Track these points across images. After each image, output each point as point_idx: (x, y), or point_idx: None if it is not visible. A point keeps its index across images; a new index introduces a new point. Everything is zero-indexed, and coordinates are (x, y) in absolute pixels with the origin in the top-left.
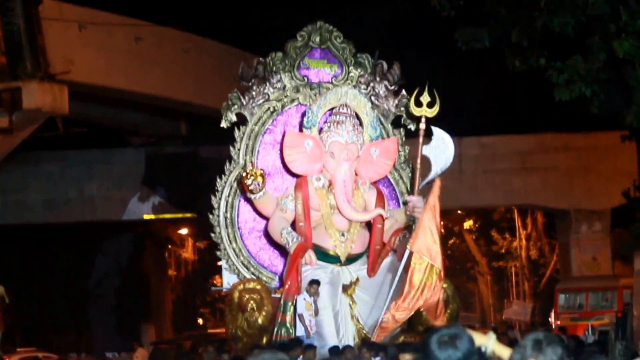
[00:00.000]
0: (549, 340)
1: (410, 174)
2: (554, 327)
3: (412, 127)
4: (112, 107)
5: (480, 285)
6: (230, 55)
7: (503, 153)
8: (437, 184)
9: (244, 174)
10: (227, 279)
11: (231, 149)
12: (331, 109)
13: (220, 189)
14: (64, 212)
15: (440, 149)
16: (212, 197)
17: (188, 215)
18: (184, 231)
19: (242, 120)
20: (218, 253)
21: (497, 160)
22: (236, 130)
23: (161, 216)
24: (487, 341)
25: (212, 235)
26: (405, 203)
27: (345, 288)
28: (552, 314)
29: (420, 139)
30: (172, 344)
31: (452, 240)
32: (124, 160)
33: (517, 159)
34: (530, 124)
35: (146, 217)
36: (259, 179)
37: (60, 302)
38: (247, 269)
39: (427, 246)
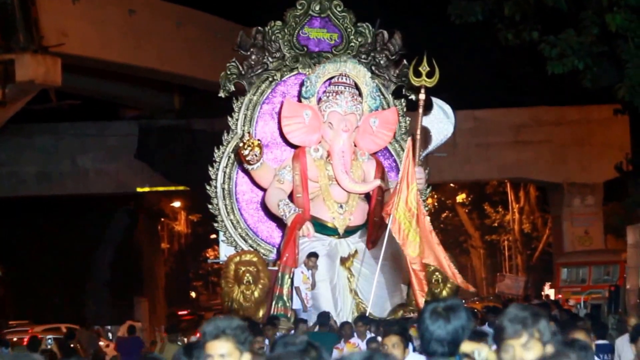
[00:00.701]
0: (541, 314)
1: None
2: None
3: (413, 97)
4: (105, 80)
5: (473, 258)
6: (224, 28)
7: (496, 127)
8: (408, 145)
9: (241, 144)
10: (225, 252)
11: (229, 119)
12: (330, 79)
13: (217, 159)
14: (57, 185)
15: (441, 120)
16: (210, 168)
17: (181, 188)
18: (177, 204)
19: (238, 92)
20: (215, 225)
21: (491, 134)
22: (234, 100)
23: (154, 189)
24: (480, 348)
25: (209, 206)
26: None
27: (343, 261)
28: (545, 288)
29: (420, 110)
30: (193, 316)
31: (445, 214)
32: (117, 133)
33: (510, 133)
34: (523, 97)
35: (139, 190)
36: (256, 149)
37: (52, 275)
38: (245, 241)
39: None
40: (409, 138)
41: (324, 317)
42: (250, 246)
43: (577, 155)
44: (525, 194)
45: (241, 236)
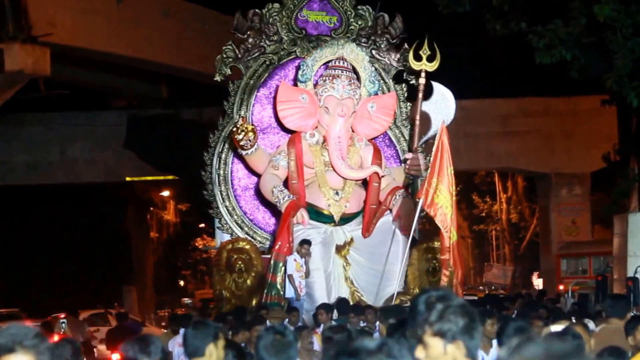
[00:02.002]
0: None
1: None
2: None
3: (414, 82)
4: (93, 70)
5: (461, 248)
6: (211, 18)
7: (484, 117)
8: (443, 129)
9: (234, 129)
10: (220, 239)
11: (225, 103)
12: (327, 63)
13: (212, 144)
14: (47, 174)
15: (441, 105)
16: (205, 154)
17: (170, 177)
18: (165, 193)
19: (234, 75)
20: (210, 212)
21: (478, 124)
22: (230, 84)
23: (143, 178)
24: None
25: (205, 193)
26: (405, 161)
27: (339, 249)
28: (533, 277)
29: (420, 94)
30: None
31: None
32: (106, 123)
33: (498, 123)
34: (511, 88)
35: (128, 179)
36: (250, 134)
37: (42, 263)
38: (241, 228)
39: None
40: (442, 121)
41: (344, 303)
42: (247, 233)
43: (564, 145)
44: (513, 184)
45: (237, 223)
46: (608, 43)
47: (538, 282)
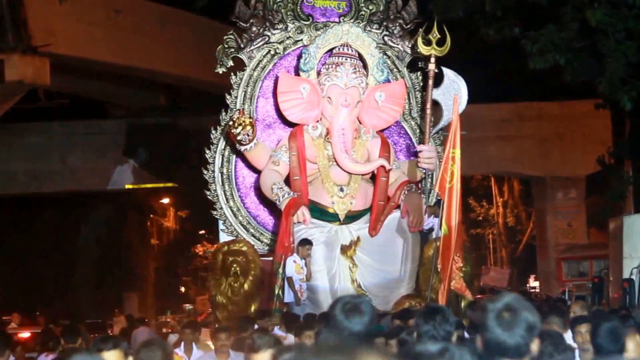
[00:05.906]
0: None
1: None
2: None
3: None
4: (93, 79)
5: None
6: (209, 27)
7: (479, 122)
8: (455, 105)
9: (231, 123)
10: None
11: (227, 96)
12: (331, 50)
13: (215, 141)
14: (48, 182)
15: (451, 92)
16: (207, 151)
17: (169, 184)
18: (165, 201)
19: (237, 67)
20: (214, 213)
21: (474, 129)
22: (232, 76)
23: (143, 186)
24: None
25: (207, 193)
26: (417, 154)
27: (344, 249)
28: (530, 280)
29: (430, 81)
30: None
31: None
32: (106, 131)
33: (493, 128)
34: (505, 93)
35: (128, 186)
36: (248, 128)
37: (44, 271)
38: (247, 230)
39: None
40: (456, 97)
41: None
42: (253, 235)
43: (559, 149)
44: (509, 188)
45: (242, 225)
46: (600, 47)
47: (535, 285)
